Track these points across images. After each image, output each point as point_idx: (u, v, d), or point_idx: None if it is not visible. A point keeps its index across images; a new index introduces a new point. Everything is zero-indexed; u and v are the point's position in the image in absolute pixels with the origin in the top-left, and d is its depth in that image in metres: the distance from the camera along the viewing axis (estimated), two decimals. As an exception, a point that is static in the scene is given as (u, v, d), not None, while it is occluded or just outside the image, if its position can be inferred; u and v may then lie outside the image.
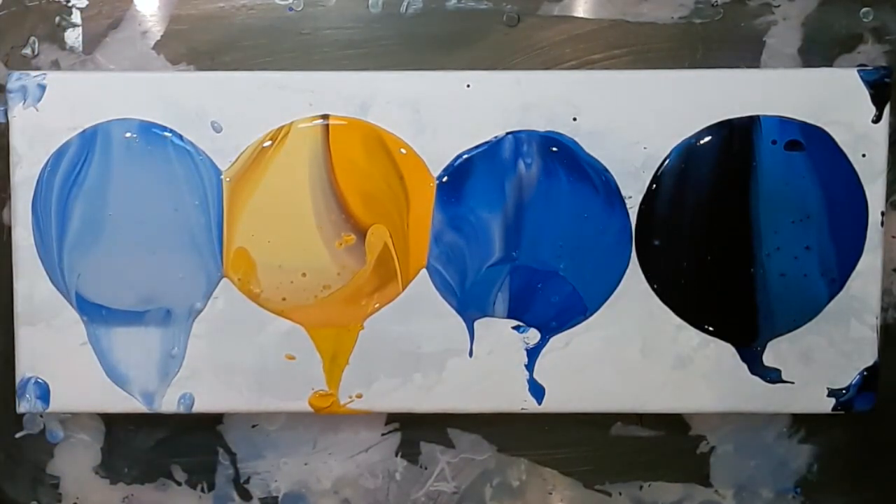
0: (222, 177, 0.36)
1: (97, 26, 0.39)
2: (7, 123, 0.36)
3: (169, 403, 0.37)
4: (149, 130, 0.36)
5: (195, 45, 0.39)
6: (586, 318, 0.37)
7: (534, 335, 0.37)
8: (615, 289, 0.37)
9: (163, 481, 0.41)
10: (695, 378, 0.37)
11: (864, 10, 0.38)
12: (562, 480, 0.41)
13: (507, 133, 0.36)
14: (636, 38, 0.38)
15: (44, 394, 0.37)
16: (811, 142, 0.36)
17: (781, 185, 0.36)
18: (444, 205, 0.36)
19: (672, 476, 0.41)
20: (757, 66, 0.38)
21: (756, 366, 0.37)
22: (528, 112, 0.36)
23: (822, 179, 0.36)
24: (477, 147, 0.36)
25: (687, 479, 0.41)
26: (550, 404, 0.37)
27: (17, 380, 0.37)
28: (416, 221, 0.37)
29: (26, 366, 0.37)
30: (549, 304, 0.37)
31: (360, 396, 0.37)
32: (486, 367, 0.37)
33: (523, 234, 0.36)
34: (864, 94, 0.36)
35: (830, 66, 0.38)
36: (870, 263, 0.36)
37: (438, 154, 0.36)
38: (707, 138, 0.36)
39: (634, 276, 0.37)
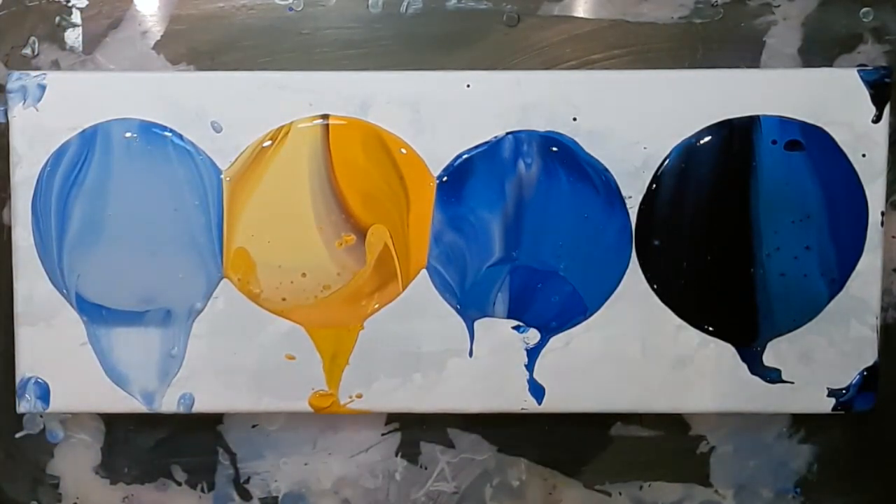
0: (222, 176, 0.36)
1: (97, 26, 0.39)
2: (7, 123, 0.36)
3: (169, 403, 0.37)
4: (149, 130, 0.36)
5: (195, 45, 0.39)
6: (586, 318, 0.37)
7: (534, 335, 0.37)
8: (615, 289, 0.37)
9: (163, 481, 0.41)
10: (695, 378, 0.37)
11: (864, 10, 0.38)
12: (562, 480, 0.41)
13: (507, 133, 0.36)
14: (636, 38, 0.38)
15: (44, 394, 0.37)
16: (811, 142, 0.36)
17: (781, 185, 0.36)
18: (444, 205, 0.36)
19: (672, 476, 0.41)
20: (757, 66, 0.38)
21: (756, 366, 0.37)
22: (528, 112, 0.36)
23: (822, 179, 0.36)
24: (477, 147, 0.36)
25: (687, 479, 0.41)
26: (550, 404, 0.37)
27: (17, 380, 0.37)
28: (416, 221, 0.37)
29: (26, 366, 0.37)
30: (549, 304, 0.37)
31: (360, 396, 0.37)
32: (486, 367, 0.37)
33: (523, 234, 0.36)
34: (864, 94, 0.36)
35: (830, 66, 0.38)
36: (870, 263, 0.36)
37: (438, 154, 0.36)
38: (707, 138, 0.36)
39: (634, 276, 0.37)
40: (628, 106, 0.36)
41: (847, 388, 0.37)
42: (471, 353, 0.37)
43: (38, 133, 0.36)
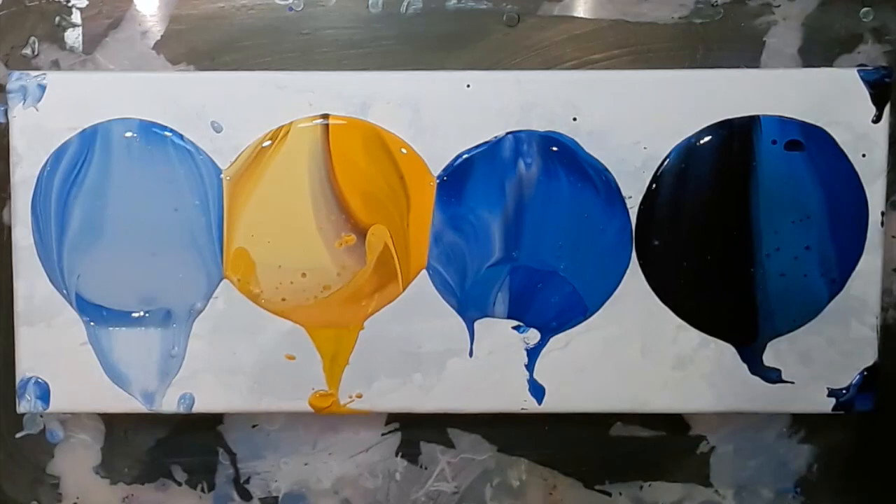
0: (222, 176, 0.36)
1: (97, 26, 0.39)
2: (7, 123, 0.36)
3: (169, 403, 0.37)
4: (149, 130, 0.36)
5: (195, 45, 0.39)
6: (586, 318, 0.37)
7: (534, 335, 0.37)
8: (615, 289, 0.37)
9: (163, 481, 0.41)
10: (695, 378, 0.37)
11: (864, 10, 0.38)
12: (562, 480, 0.41)
13: (507, 133, 0.36)
14: (636, 38, 0.39)
15: (44, 394, 0.37)
16: (811, 142, 0.36)
17: (781, 185, 0.36)
18: (444, 205, 0.36)
19: (672, 476, 0.41)
20: (757, 66, 0.38)
21: (756, 366, 0.37)
22: (528, 112, 0.36)
23: (822, 179, 0.36)
24: (477, 147, 0.36)
25: (687, 479, 0.41)
26: (550, 404, 0.37)
27: (17, 380, 0.37)
28: (417, 221, 0.37)
29: (26, 366, 0.37)
30: (549, 305, 0.37)
31: (360, 396, 0.37)
32: (486, 367, 0.37)
33: (523, 234, 0.36)
34: (864, 94, 0.36)
35: (830, 66, 0.38)
36: (870, 263, 0.36)
37: (438, 154, 0.36)
38: (707, 138, 0.36)
39: (634, 276, 0.37)
40: (628, 106, 0.36)
41: (847, 388, 0.37)
42: (471, 354, 0.37)
43: (38, 133, 0.36)
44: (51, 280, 0.37)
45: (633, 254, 0.37)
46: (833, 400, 0.37)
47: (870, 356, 0.37)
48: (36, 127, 0.36)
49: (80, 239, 0.36)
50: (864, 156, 0.36)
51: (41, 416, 0.40)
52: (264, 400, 0.37)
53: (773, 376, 0.37)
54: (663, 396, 0.37)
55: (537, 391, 0.37)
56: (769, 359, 0.37)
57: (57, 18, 0.39)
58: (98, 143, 0.36)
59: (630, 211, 0.36)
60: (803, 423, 0.40)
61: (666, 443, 0.40)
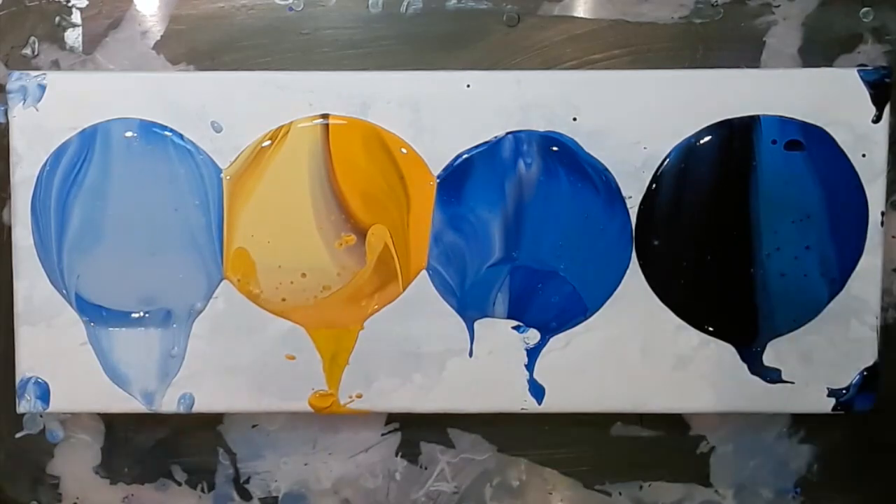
0: (222, 175, 0.36)
1: (97, 26, 0.39)
2: (7, 123, 0.36)
3: (169, 403, 0.37)
4: (149, 130, 0.36)
5: (195, 45, 0.39)
6: (586, 318, 0.37)
7: (534, 335, 0.37)
8: (615, 289, 0.37)
9: (163, 481, 0.41)
10: (695, 378, 0.37)
11: (864, 10, 0.38)
12: (562, 480, 0.41)
13: (507, 133, 0.36)
14: (636, 38, 0.38)
15: (44, 394, 0.37)
16: (811, 142, 0.36)
17: (781, 185, 0.36)
18: (444, 205, 0.36)
19: (672, 476, 0.41)
20: (757, 66, 0.38)
21: (756, 366, 0.37)
22: (528, 112, 0.36)
23: (822, 179, 0.36)
24: (477, 147, 0.36)
25: (687, 479, 0.41)
26: (550, 404, 0.37)
27: (17, 380, 0.37)
28: (417, 221, 0.37)
29: (26, 366, 0.37)
30: (549, 305, 0.37)
31: (360, 396, 0.37)
32: (486, 367, 0.37)
33: (523, 234, 0.36)
34: (864, 94, 0.36)
35: (830, 66, 0.38)
36: (870, 263, 0.36)
37: (438, 154, 0.36)
38: (707, 138, 0.36)
39: (634, 276, 0.37)
40: (628, 106, 0.36)
41: (847, 388, 0.37)
42: (471, 354, 0.37)
43: (38, 133, 0.36)
44: (51, 280, 0.37)
45: (633, 254, 0.37)
46: (833, 400, 0.37)
47: (870, 356, 0.37)
48: (36, 127, 0.36)
49: (79, 239, 0.36)
50: (864, 156, 0.36)
51: (41, 416, 0.40)
52: (264, 400, 0.37)
53: (773, 376, 0.37)
54: (663, 396, 0.37)
55: (537, 391, 0.37)
56: (769, 359, 0.37)
57: (57, 18, 0.39)
58: (98, 142, 0.36)
59: (630, 211, 0.36)
60: (803, 423, 0.40)
61: (666, 443, 0.40)
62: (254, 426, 0.40)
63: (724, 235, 0.36)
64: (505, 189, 0.36)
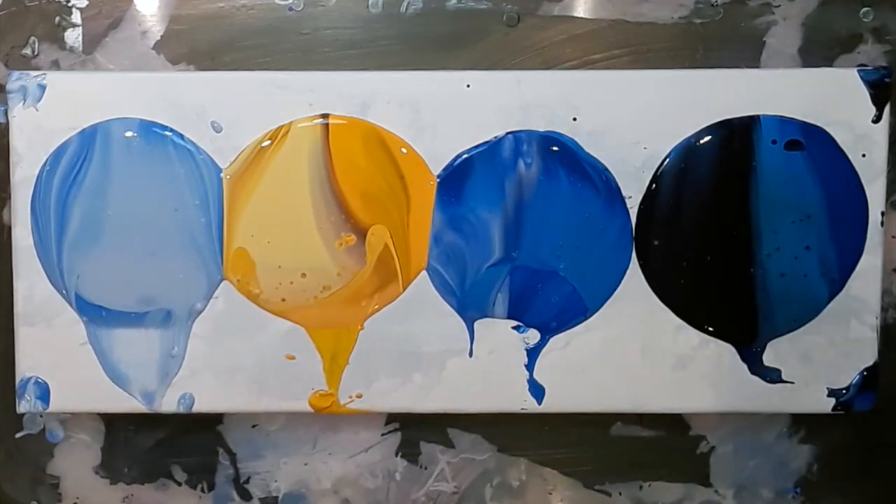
0: (222, 175, 0.36)
1: (97, 26, 0.39)
2: (7, 123, 0.36)
3: (169, 403, 0.37)
4: (149, 130, 0.36)
5: (195, 45, 0.39)
6: (586, 318, 0.37)
7: (534, 335, 0.37)
8: (615, 289, 0.37)
9: (163, 481, 0.41)
10: (695, 378, 0.37)
11: (864, 10, 0.38)
12: (562, 480, 0.41)
13: (507, 133, 0.36)
14: (636, 38, 0.38)
15: (44, 394, 0.37)
16: (811, 142, 0.36)
17: (781, 185, 0.36)
18: (444, 205, 0.36)
19: (672, 476, 0.41)
20: (757, 66, 0.38)
21: (756, 366, 0.37)
22: (528, 112, 0.36)
23: (822, 179, 0.36)
24: (477, 147, 0.36)
25: (687, 479, 0.41)
26: (550, 404, 0.37)
27: (17, 380, 0.37)
28: (417, 221, 0.37)
29: (26, 366, 0.37)
30: (549, 305, 0.37)
31: (360, 396, 0.37)
32: (486, 367, 0.37)
33: (523, 234, 0.36)
34: (864, 94, 0.36)
35: (830, 66, 0.38)
36: (870, 263, 0.36)
37: (438, 154, 0.36)
38: (707, 138, 0.36)
39: (634, 276, 0.37)
40: (628, 106, 0.36)
41: (847, 388, 0.37)
42: (471, 354, 0.37)
43: (38, 133, 0.36)
44: (51, 280, 0.37)
45: (633, 254, 0.37)
46: (833, 400, 0.37)
47: (870, 356, 0.37)
48: (36, 127, 0.36)
49: (79, 239, 0.36)
50: (864, 156, 0.36)
51: (41, 416, 0.40)
52: (264, 400, 0.37)
53: (772, 376, 0.37)
54: (663, 396, 0.37)
55: (537, 391, 0.37)
56: (769, 359, 0.37)
57: (57, 18, 0.39)
58: (98, 142, 0.36)
59: (630, 211, 0.36)
60: (803, 423, 0.40)
61: (666, 443, 0.40)
62: (254, 426, 0.40)
63: (724, 235, 0.36)
64: (505, 189, 0.36)
